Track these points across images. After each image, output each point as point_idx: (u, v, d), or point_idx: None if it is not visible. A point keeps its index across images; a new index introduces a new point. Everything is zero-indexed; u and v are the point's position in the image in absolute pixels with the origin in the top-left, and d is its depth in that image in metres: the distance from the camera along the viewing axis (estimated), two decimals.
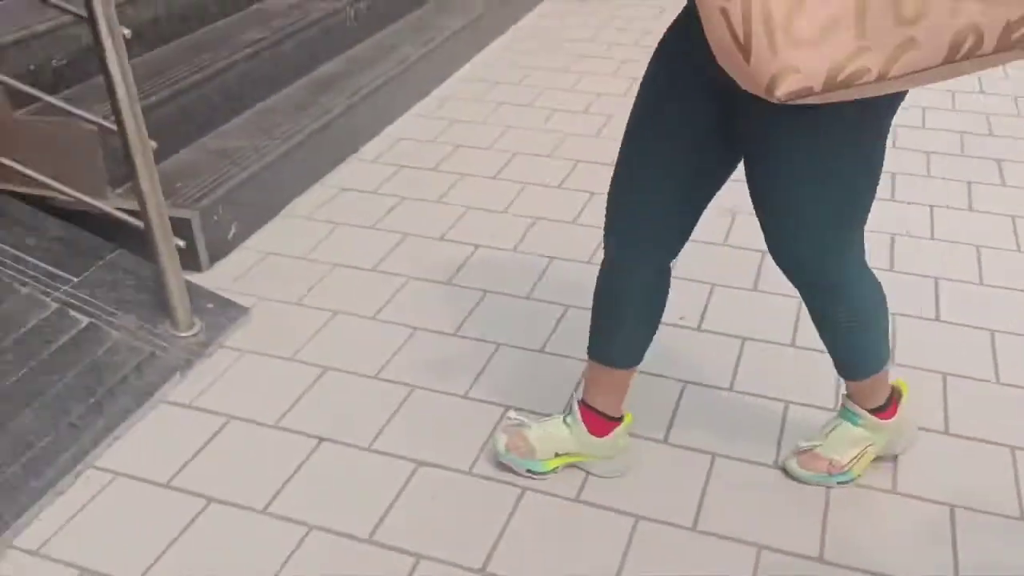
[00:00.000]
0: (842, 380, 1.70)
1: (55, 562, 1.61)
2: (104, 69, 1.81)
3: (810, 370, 2.01)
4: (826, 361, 2.03)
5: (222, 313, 2.23)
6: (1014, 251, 2.45)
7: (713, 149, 1.42)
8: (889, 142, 3.03)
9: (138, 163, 1.92)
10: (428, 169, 2.97)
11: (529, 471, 1.75)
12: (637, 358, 1.68)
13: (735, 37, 1.06)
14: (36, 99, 2.42)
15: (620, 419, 1.74)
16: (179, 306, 2.11)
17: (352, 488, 1.75)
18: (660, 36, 1.42)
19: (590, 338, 1.68)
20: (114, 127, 1.95)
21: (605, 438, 1.73)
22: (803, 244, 1.43)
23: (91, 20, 1.76)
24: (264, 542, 1.64)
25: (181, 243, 2.07)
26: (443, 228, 2.63)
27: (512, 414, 1.83)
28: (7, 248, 2.22)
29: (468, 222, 2.65)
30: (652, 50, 1.43)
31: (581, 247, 2.50)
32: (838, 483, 1.71)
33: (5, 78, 2.24)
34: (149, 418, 1.94)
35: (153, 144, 1.94)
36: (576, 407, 1.74)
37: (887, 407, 1.69)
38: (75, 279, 2.20)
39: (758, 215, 1.45)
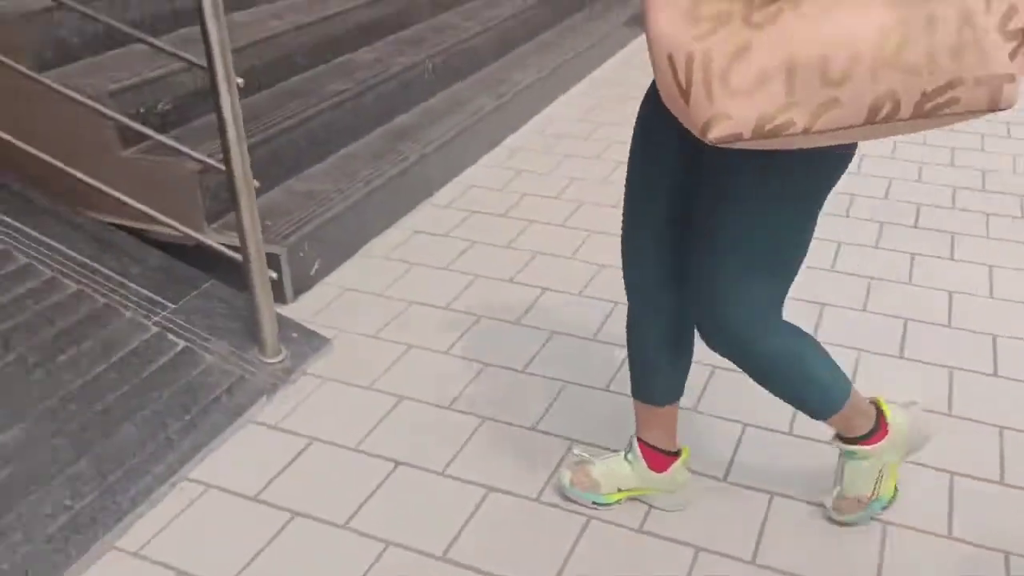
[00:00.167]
0: None
1: (153, 563, 1.74)
2: (218, 113, 1.99)
3: None
4: None
5: (305, 343, 2.37)
6: None
7: (694, 195, 1.53)
8: (949, 202, 3.13)
9: (242, 201, 2.09)
10: (497, 215, 3.11)
11: (594, 503, 1.84)
12: (676, 394, 1.79)
13: (678, 83, 1.17)
14: (144, 139, 2.63)
15: (677, 454, 1.84)
16: (268, 335, 2.26)
17: (427, 509, 1.86)
18: None
19: (631, 380, 1.80)
20: (221, 166, 2.13)
21: (664, 473, 1.82)
22: (740, 295, 1.49)
23: (210, 69, 1.95)
24: (345, 555, 1.75)
25: (274, 275, 2.23)
26: (512, 271, 2.76)
27: (576, 450, 1.93)
28: (113, 275, 2.40)
29: (536, 266, 2.77)
30: None
31: None
32: (880, 509, 1.77)
33: (120, 118, 2.45)
34: (238, 436, 2.08)
35: (256, 183, 2.11)
36: (635, 444, 1.84)
37: (876, 430, 1.73)
38: (173, 305, 2.37)
39: (693, 277, 1.53)
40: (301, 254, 2.61)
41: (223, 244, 2.38)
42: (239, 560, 1.75)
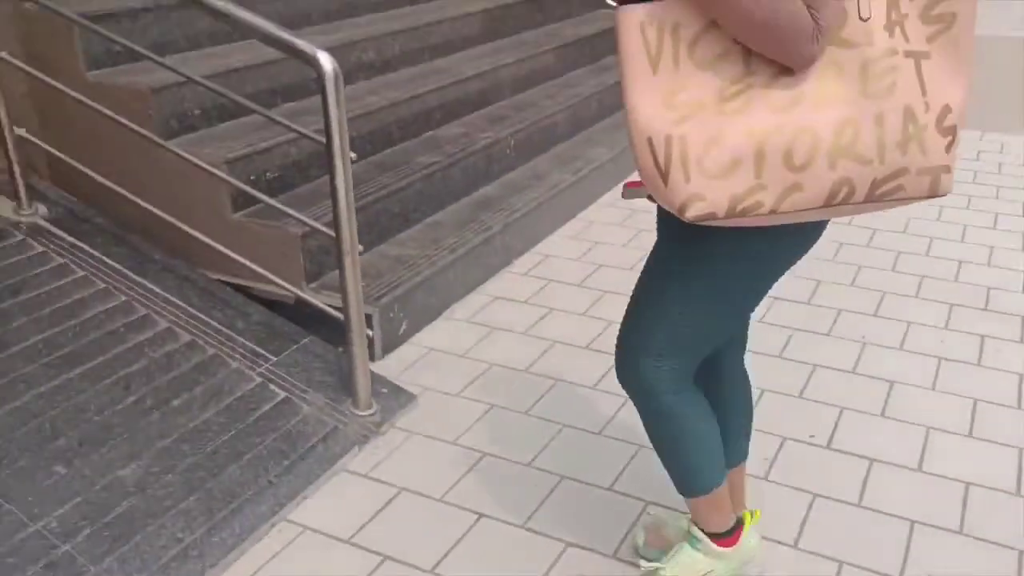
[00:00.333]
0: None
1: None
2: (332, 183, 2.19)
3: (935, 493, 2.14)
4: (951, 486, 2.16)
5: (394, 398, 2.53)
6: None
7: None
8: (1020, 286, 3.17)
9: (347, 265, 2.27)
10: (574, 285, 3.26)
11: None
12: (743, 453, 1.85)
13: (657, 165, 1.31)
14: (252, 203, 2.86)
15: (741, 522, 1.84)
16: (362, 389, 2.42)
17: (508, 559, 1.97)
18: None
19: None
20: (328, 231, 2.32)
21: (734, 547, 1.84)
22: (634, 339, 1.60)
23: (328, 145, 2.15)
24: None
25: (370, 333, 2.40)
26: (588, 338, 2.89)
27: (652, 511, 2.03)
28: (222, 328, 2.60)
29: (610, 334, 2.90)
30: None
31: None
32: None
33: (236, 183, 2.68)
34: (332, 483, 2.22)
35: (360, 247, 2.29)
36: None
37: (727, 536, 1.77)
38: (275, 358, 2.55)
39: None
40: (391, 315, 2.79)
41: (324, 303, 2.57)
42: None
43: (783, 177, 1.28)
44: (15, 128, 2.80)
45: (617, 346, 1.66)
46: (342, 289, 2.32)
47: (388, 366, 2.74)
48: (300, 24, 3.76)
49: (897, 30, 1.31)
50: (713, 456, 1.70)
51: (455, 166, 3.51)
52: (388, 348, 2.80)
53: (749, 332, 1.84)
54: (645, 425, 1.69)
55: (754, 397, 2.53)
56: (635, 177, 1.44)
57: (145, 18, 3.14)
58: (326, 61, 2.08)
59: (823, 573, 1.92)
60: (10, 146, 2.79)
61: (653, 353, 1.59)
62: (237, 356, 2.52)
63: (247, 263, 2.69)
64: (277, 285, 2.69)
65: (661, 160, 1.30)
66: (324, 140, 2.17)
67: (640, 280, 1.62)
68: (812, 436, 2.37)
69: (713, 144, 1.28)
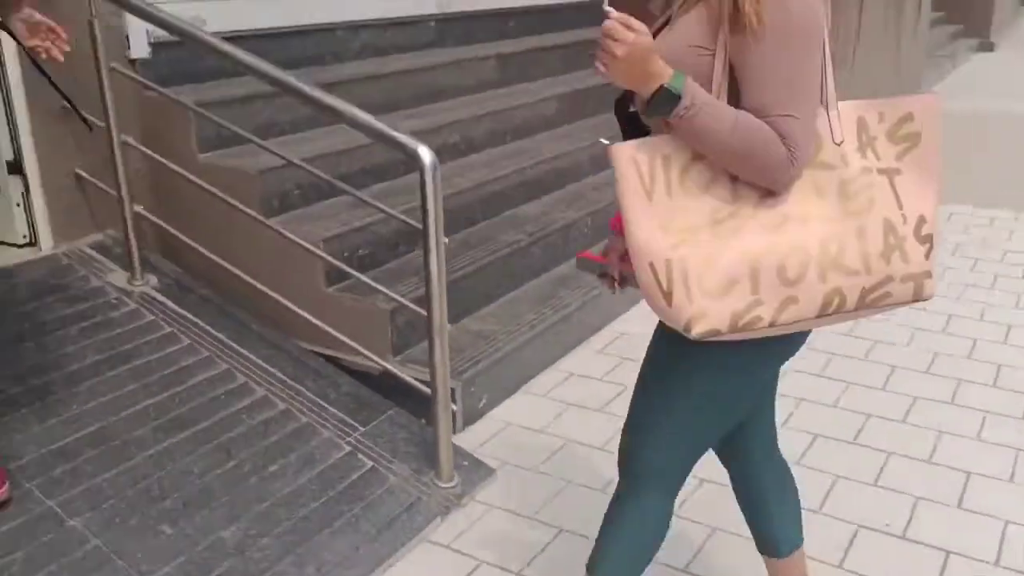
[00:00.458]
0: None
1: None
2: (426, 265, 2.34)
3: None
4: None
5: (474, 471, 2.62)
6: None
7: None
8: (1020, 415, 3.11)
9: (436, 341, 2.40)
10: None
11: None
12: (795, 540, 1.88)
13: (660, 286, 1.40)
14: (344, 278, 3.03)
15: None
16: (445, 461, 2.53)
17: None
18: None
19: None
20: (418, 308, 2.46)
21: None
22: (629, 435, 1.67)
23: (424, 231, 2.30)
24: None
25: (455, 408, 2.51)
26: None
27: None
28: (314, 397, 2.75)
29: None
30: None
31: (814, 487, 2.75)
32: None
33: (331, 259, 2.86)
34: (416, 552, 2.32)
35: (449, 326, 2.42)
36: None
37: None
38: (362, 428, 2.68)
39: None
40: (473, 389, 2.90)
41: (410, 376, 2.70)
42: None
43: (779, 292, 1.39)
44: (134, 205, 3.03)
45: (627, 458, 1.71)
46: (431, 364, 2.44)
47: (468, 439, 2.84)
48: (391, 108, 3.98)
49: (869, 151, 1.45)
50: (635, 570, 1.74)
51: (535, 244, 3.64)
52: (468, 421, 2.91)
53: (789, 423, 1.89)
54: (616, 510, 1.73)
55: (828, 485, 2.57)
56: (593, 251, 1.51)
57: (253, 104, 3.38)
58: (426, 154, 2.24)
59: None
60: (128, 221, 3.02)
61: (643, 455, 1.65)
62: (328, 425, 2.65)
63: (338, 335, 2.85)
64: (365, 357, 2.84)
65: (664, 282, 1.40)
66: (420, 226, 2.32)
67: (643, 391, 1.67)
68: (887, 524, 2.39)
69: (710, 265, 1.39)
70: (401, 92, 4.10)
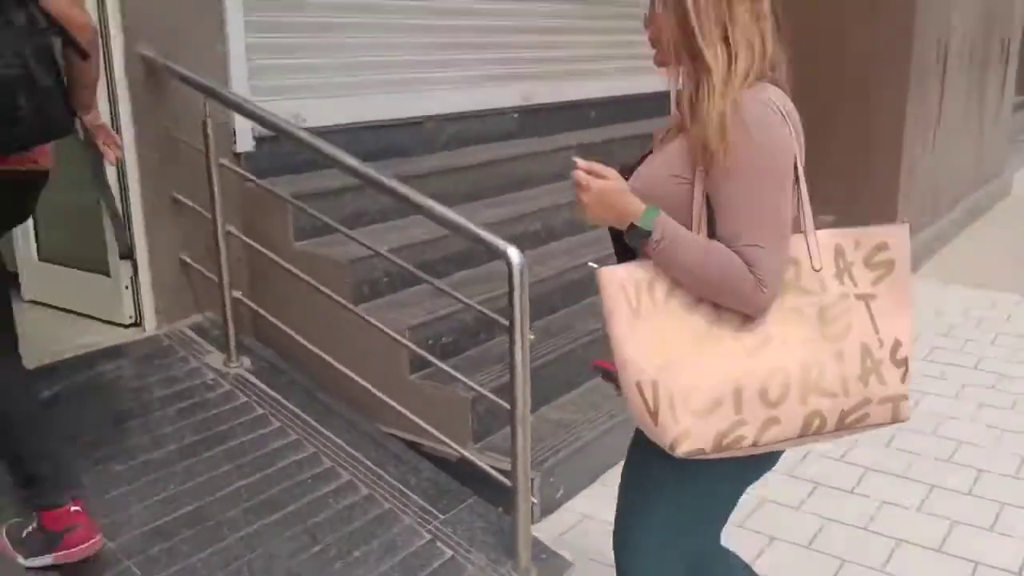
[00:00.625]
0: None
1: None
2: (511, 359, 2.40)
3: None
4: None
5: (551, 563, 2.64)
6: None
7: None
8: None
9: (519, 431, 2.46)
10: None
11: None
12: None
13: (647, 405, 1.43)
14: (426, 366, 3.11)
15: None
16: (523, 552, 2.55)
17: None
18: None
19: None
20: (501, 402, 2.52)
21: None
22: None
23: (510, 327, 2.38)
24: None
25: (535, 500, 2.55)
26: (742, 516, 2.93)
27: None
28: (397, 483, 2.82)
29: (764, 513, 2.93)
30: None
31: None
32: None
33: (415, 348, 2.95)
34: None
35: (531, 418, 2.48)
36: None
37: None
38: (442, 516, 2.72)
39: None
40: (551, 479, 2.93)
41: (490, 465, 2.75)
42: None
43: (761, 412, 1.43)
44: (232, 290, 3.20)
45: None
46: (512, 455, 2.49)
47: (545, 529, 2.86)
48: (475, 197, 4.11)
49: (846, 276, 1.50)
50: None
51: None
52: (546, 511, 2.93)
53: None
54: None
55: None
56: (605, 358, 1.57)
57: (344, 195, 3.55)
58: (514, 255, 2.33)
59: None
60: (227, 306, 3.18)
61: (646, 537, 1.74)
62: (409, 512, 2.71)
63: (420, 422, 2.92)
64: (446, 444, 2.90)
65: (650, 402, 1.44)
66: (506, 321, 2.40)
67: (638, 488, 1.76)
68: None
69: (695, 387, 1.44)
70: (485, 181, 4.24)
